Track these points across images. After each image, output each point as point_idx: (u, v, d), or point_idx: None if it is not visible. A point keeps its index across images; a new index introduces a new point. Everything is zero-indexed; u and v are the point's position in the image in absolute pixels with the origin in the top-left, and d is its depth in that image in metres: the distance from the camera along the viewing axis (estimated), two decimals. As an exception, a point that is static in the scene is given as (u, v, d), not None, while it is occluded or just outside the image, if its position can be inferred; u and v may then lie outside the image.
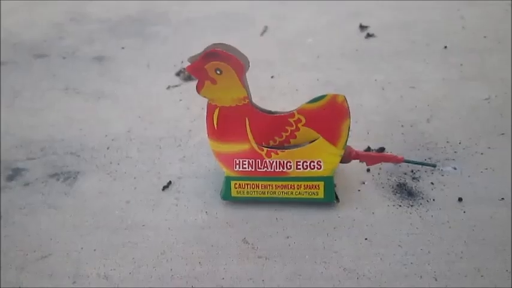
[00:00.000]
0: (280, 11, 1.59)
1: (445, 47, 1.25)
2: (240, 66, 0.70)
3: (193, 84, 1.16)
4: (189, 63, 0.72)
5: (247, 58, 0.72)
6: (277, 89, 1.12)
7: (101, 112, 1.11)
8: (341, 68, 1.19)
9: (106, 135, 1.01)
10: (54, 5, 1.79)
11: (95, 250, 0.75)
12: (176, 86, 1.18)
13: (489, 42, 1.26)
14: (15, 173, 0.93)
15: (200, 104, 1.06)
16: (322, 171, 0.76)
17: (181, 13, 1.62)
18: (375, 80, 1.12)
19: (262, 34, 1.41)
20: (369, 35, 1.34)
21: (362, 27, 1.39)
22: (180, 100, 1.12)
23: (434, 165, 0.83)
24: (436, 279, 0.66)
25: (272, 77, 1.17)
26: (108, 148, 0.97)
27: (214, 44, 0.71)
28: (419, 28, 1.36)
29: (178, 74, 1.23)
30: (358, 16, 1.47)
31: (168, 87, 1.17)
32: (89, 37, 1.51)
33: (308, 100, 0.74)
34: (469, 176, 0.83)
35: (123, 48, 1.41)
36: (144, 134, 1.01)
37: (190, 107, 1.08)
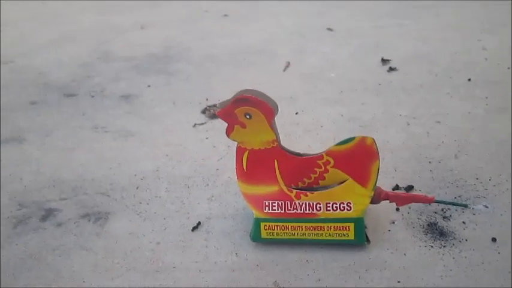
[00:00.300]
0: (301, 44, 1.62)
1: (469, 79, 1.25)
2: (269, 111, 0.72)
3: (218, 122, 1.19)
4: (219, 109, 0.73)
5: (275, 103, 0.73)
6: (302, 126, 1.13)
7: (129, 151, 1.13)
8: (365, 102, 1.20)
9: (135, 175, 1.03)
10: (80, 44, 1.86)
11: (127, 293, 0.75)
12: (202, 123, 1.20)
13: (514, 74, 1.26)
14: (48, 214, 0.95)
15: (226, 142, 1.08)
16: (352, 213, 0.76)
17: (203, 49, 1.67)
18: (400, 114, 1.13)
19: (285, 70, 1.44)
20: (391, 69, 1.35)
21: (384, 61, 1.40)
22: (207, 138, 1.14)
23: (465, 205, 0.82)
24: (474, 326, 0.64)
25: (296, 113, 1.19)
26: (137, 188, 0.99)
27: (245, 90, 0.72)
28: (441, 60, 1.37)
29: (203, 112, 1.25)
30: (379, 48, 1.49)
31: (194, 125, 1.20)
32: (115, 75, 1.56)
33: (335, 140, 0.74)
34: (501, 215, 0.81)
35: (148, 86, 1.45)
36: (172, 173, 1.02)
37: (217, 145, 1.10)
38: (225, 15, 2.01)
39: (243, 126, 0.74)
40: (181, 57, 1.62)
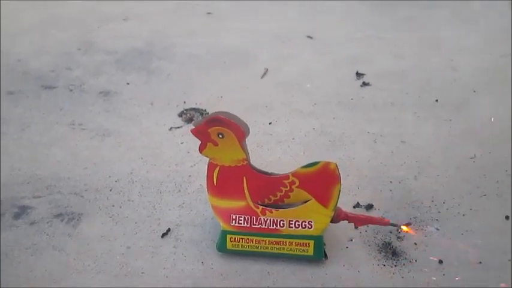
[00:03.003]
0: (280, 50, 1.66)
1: (436, 100, 1.32)
2: (240, 132, 0.76)
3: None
4: (193, 126, 0.77)
5: (247, 126, 0.78)
6: (274, 136, 1.18)
7: (105, 151, 1.16)
8: (336, 117, 1.25)
9: (110, 176, 1.06)
10: (63, 31, 1.85)
11: (96, 296, 0.79)
12: (178, 127, 1.23)
13: (478, 97, 1.33)
14: (22, 211, 0.98)
15: (201, 148, 1.12)
16: (313, 231, 0.81)
17: (186, 48, 1.68)
18: (368, 132, 1.18)
19: (262, 77, 1.47)
20: (364, 84, 1.41)
21: (358, 75, 1.46)
22: (182, 143, 1.17)
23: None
24: None
25: (270, 123, 1.23)
26: (111, 190, 1.03)
27: (219, 112, 0.76)
28: (413, 78, 1.43)
29: (180, 115, 1.28)
30: (355, 60, 1.53)
31: (171, 129, 1.23)
32: (95, 69, 1.57)
33: (307, 154, 0.79)
34: (450, 238, 0.88)
35: (128, 84, 1.47)
36: (146, 177, 1.06)
37: (191, 151, 1.13)
38: (209, 13, 2.02)
39: (215, 144, 0.78)
40: (164, 55, 1.64)
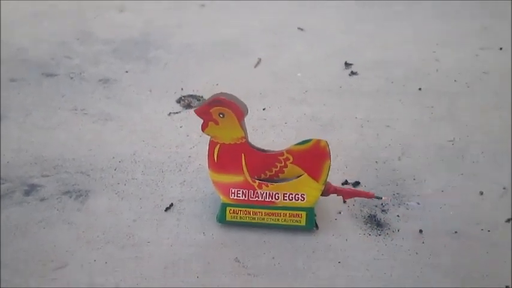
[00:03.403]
0: (273, 41, 1.73)
1: (420, 88, 1.40)
2: (240, 112, 0.83)
3: (192, 111, 1.29)
4: (196, 107, 0.84)
5: (246, 106, 0.85)
6: (268, 121, 1.25)
7: (107, 134, 1.22)
8: (326, 103, 1.33)
9: (113, 157, 1.13)
10: (59, 21, 1.90)
11: (106, 263, 0.86)
12: (177, 112, 1.30)
13: (459, 86, 1.42)
14: (31, 189, 1.04)
15: (199, 131, 1.17)
16: (305, 203, 0.89)
17: (182, 38, 1.75)
18: (355, 117, 1.26)
19: (256, 66, 1.55)
20: (352, 73, 1.49)
21: (347, 65, 1.54)
22: (181, 127, 1.24)
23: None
24: (395, 299, 0.79)
25: (264, 109, 1.30)
26: (115, 169, 1.09)
27: (220, 93, 0.83)
28: (398, 68, 1.51)
29: (178, 101, 1.35)
30: (344, 52, 1.61)
31: (170, 114, 1.29)
32: (94, 58, 1.63)
33: (300, 137, 0.87)
34: (429, 211, 0.97)
35: (126, 72, 1.53)
36: (148, 158, 1.13)
37: (190, 134, 1.20)
38: (202, 6, 2.09)
39: (217, 123, 0.85)
40: (161, 45, 1.70)
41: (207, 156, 0.89)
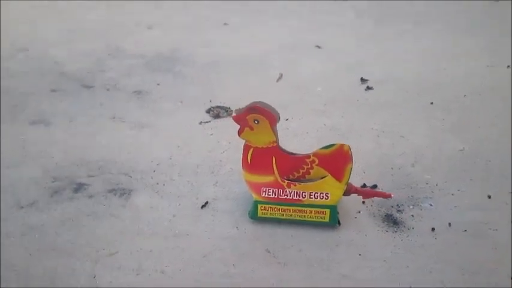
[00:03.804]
0: (292, 58, 1.85)
1: (431, 102, 1.51)
2: (273, 119, 0.94)
3: (221, 121, 1.41)
4: (235, 114, 0.95)
5: (278, 113, 0.96)
6: (291, 131, 1.36)
7: (144, 140, 1.34)
8: (344, 115, 1.44)
9: (152, 161, 1.24)
10: (91, 40, 2.04)
11: (151, 251, 0.97)
12: (207, 122, 1.42)
13: (468, 101, 1.52)
14: (79, 187, 1.15)
15: (228, 138, 1.31)
16: (329, 201, 0.99)
17: (206, 55, 1.88)
18: (372, 128, 1.37)
19: (278, 81, 1.66)
20: (368, 88, 1.60)
21: (363, 80, 1.65)
22: (211, 134, 1.35)
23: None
24: (410, 287, 0.89)
25: (287, 119, 1.42)
26: (154, 171, 1.20)
27: (256, 102, 0.94)
28: (411, 83, 1.63)
29: (208, 112, 1.47)
30: (360, 67, 1.73)
31: (201, 123, 1.41)
32: (127, 71, 1.76)
33: (320, 145, 0.97)
34: (441, 212, 1.06)
35: (158, 84, 1.65)
36: (183, 161, 1.24)
37: (220, 141, 1.32)
38: (225, 24, 2.22)
39: (252, 129, 0.96)
40: (186, 61, 1.83)
41: (241, 159, 1.00)
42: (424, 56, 1.84)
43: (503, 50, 1.87)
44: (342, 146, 0.96)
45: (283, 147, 1.00)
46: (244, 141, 0.99)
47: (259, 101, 0.95)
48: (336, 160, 0.97)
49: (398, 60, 1.80)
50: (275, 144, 0.98)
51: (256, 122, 0.95)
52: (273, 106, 0.97)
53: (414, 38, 2.01)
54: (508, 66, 1.73)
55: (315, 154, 0.98)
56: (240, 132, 0.97)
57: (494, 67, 1.74)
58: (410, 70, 1.72)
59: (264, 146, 0.98)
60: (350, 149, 0.96)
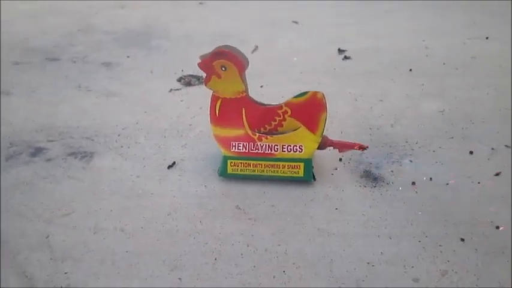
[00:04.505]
0: (269, 32, 1.80)
1: (410, 69, 1.46)
2: (241, 65, 0.88)
3: (192, 88, 1.34)
4: (200, 60, 0.89)
5: (247, 59, 0.89)
6: (266, 96, 1.29)
7: (111, 107, 1.26)
8: (321, 82, 1.38)
9: (117, 125, 1.17)
10: (62, 17, 1.96)
11: (111, 210, 0.89)
12: (178, 89, 1.35)
13: (448, 69, 1.48)
14: (38, 151, 1.07)
15: (199, 104, 1.24)
16: (303, 154, 0.93)
17: (180, 30, 1.81)
18: (349, 92, 1.32)
19: (253, 52, 1.60)
20: (346, 57, 1.55)
21: (340, 51, 1.60)
22: (181, 101, 1.28)
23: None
24: (390, 238, 0.82)
25: (261, 86, 1.35)
26: (119, 135, 1.13)
27: (223, 46, 0.88)
28: (389, 54, 1.58)
29: (179, 80, 1.40)
30: (337, 41, 1.68)
31: (171, 90, 1.34)
32: (97, 45, 1.68)
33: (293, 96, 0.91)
34: (422, 167, 1.01)
35: (128, 56, 1.58)
36: (150, 126, 1.16)
37: (190, 106, 1.25)
38: (200, 3, 2.16)
39: (219, 76, 0.89)
40: (161, 35, 1.76)
41: (209, 110, 0.93)
42: (403, 31, 1.80)
43: (482, 24, 1.84)
44: (315, 93, 0.90)
45: (253, 98, 0.94)
46: (210, 94, 0.92)
47: (227, 45, 0.89)
48: (309, 110, 0.91)
49: (377, 34, 1.76)
50: (244, 94, 0.91)
51: (223, 68, 0.88)
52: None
53: (395, 16, 1.97)
54: (487, 38, 1.70)
55: (287, 104, 0.92)
56: (206, 81, 0.90)
57: (473, 39, 1.70)
58: (390, 43, 1.68)
59: (233, 97, 0.91)
60: (324, 97, 0.91)
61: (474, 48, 1.62)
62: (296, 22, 1.89)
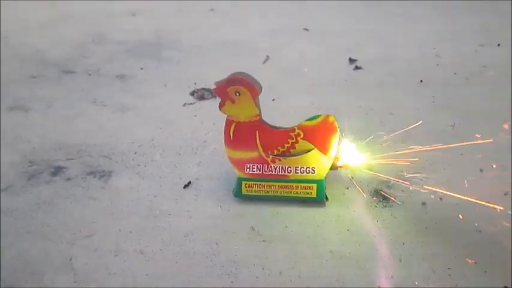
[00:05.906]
0: (280, 41, 1.81)
1: (421, 80, 1.47)
2: (254, 90, 0.90)
3: (206, 102, 1.37)
4: (215, 86, 0.91)
5: (260, 84, 0.92)
6: (278, 111, 1.32)
7: (126, 122, 1.29)
8: (332, 95, 1.40)
9: (133, 142, 1.20)
10: (72, 26, 1.99)
11: (130, 232, 0.92)
12: (191, 104, 1.37)
13: (458, 79, 1.49)
14: (57, 170, 1.11)
15: (212, 119, 1.27)
16: (315, 175, 0.95)
17: (192, 40, 1.84)
18: (360, 106, 1.33)
19: (264, 62, 1.62)
20: (357, 67, 1.56)
21: (351, 60, 1.61)
22: (195, 116, 1.31)
23: None
24: (400, 261, 0.85)
25: (273, 100, 1.37)
26: (135, 153, 1.16)
27: (236, 73, 0.90)
28: (400, 63, 1.59)
29: (192, 94, 1.42)
30: (348, 49, 1.69)
31: (184, 105, 1.37)
32: (109, 57, 1.71)
33: (306, 119, 0.93)
34: (432, 186, 1.03)
35: (142, 68, 1.61)
36: (165, 142, 1.19)
37: (204, 122, 1.27)
38: (211, 10, 2.18)
39: (233, 102, 0.92)
40: (172, 46, 1.78)
41: (223, 134, 0.96)
42: (413, 38, 1.81)
43: (494, 29, 1.84)
44: (326, 117, 0.93)
45: (266, 121, 0.96)
46: (225, 118, 0.95)
47: (240, 72, 0.91)
48: (321, 132, 0.93)
49: (388, 41, 1.77)
50: (258, 117, 0.94)
51: (237, 94, 0.91)
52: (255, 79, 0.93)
53: (403, 21, 1.98)
54: (499, 45, 1.70)
55: (299, 127, 0.94)
56: (221, 106, 0.93)
57: (485, 46, 1.70)
58: (400, 51, 1.69)
59: (247, 120, 0.94)
60: (336, 120, 0.93)
61: (486, 56, 1.62)
62: (307, 29, 1.90)
